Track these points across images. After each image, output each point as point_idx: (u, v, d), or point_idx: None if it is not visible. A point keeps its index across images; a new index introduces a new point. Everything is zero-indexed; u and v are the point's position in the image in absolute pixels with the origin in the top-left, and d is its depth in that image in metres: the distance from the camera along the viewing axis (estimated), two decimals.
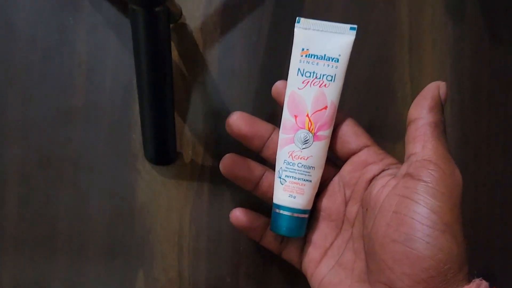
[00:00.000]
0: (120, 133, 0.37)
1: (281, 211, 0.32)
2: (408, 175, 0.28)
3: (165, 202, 0.37)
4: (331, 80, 0.31)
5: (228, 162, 0.34)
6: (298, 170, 0.32)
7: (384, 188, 0.29)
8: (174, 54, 0.37)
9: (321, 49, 0.31)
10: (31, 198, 0.37)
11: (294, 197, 0.32)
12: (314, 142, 0.32)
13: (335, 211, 0.33)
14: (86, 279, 0.37)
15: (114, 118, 0.37)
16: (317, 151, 0.32)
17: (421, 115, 0.29)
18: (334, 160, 0.34)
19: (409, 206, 0.27)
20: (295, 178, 0.32)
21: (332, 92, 0.31)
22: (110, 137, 0.37)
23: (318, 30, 0.31)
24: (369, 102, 0.38)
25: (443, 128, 0.29)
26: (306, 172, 0.32)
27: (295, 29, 0.32)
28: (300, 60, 0.31)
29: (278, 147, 0.33)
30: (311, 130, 0.32)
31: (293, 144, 0.32)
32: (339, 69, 0.31)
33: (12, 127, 0.37)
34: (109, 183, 0.37)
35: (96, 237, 0.37)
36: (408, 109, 0.38)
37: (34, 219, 0.37)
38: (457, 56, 0.38)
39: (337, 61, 0.31)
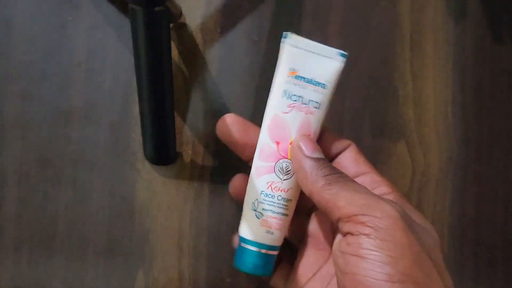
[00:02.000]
0: (120, 133, 0.37)
1: (250, 247, 0.29)
2: (348, 233, 0.26)
3: (165, 201, 0.37)
4: (317, 107, 0.28)
5: (237, 183, 0.31)
6: (278, 203, 0.28)
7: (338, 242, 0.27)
8: (174, 54, 0.37)
9: (311, 72, 0.28)
10: (31, 197, 0.37)
11: (272, 233, 0.28)
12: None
13: (323, 240, 0.30)
14: (85, 279, 0.37)
15: (114, 118, 0.37)
16: (295, 183, 0.28)
17: (317, 182, 0.26)
18: None
19: (359, 264, 0.24)
20: (274, 212, 0.28)
21: (316, 121, 0.28)
22: (110, 136, 0.37)
23: (308, 50, 0.28)
24: (370, 101, 0.38)
25: (338, 170, 0.27)
26: (285, 205, 0.29)
27: (283, 45, 0.28)
28: (287, 81, 0.28)
29: (253, 174, 0.29)
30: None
31: (274, 174, 0.28)
32: (326, 96, 0.28)
33: (11, 126, 0.37)
34: (109, 183, 0.37)
35: (95, 237, 0.37)
36: (410, 107, 0.38)
37: (33, 219, 0.37)
38: (458, 55, 0.38)
39: (325, 87, 0.28)
